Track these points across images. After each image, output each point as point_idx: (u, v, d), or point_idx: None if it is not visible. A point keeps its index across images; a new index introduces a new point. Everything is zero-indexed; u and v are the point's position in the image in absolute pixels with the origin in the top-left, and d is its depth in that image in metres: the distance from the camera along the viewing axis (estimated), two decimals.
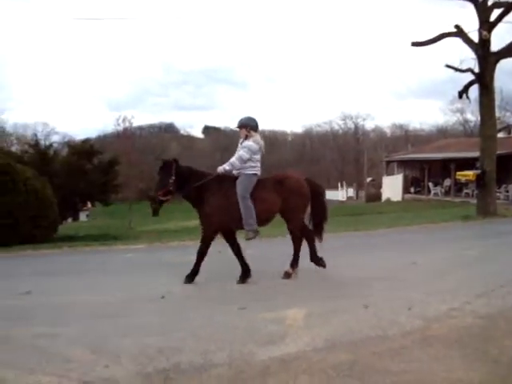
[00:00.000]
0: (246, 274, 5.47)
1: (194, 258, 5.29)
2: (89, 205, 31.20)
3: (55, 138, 45.65)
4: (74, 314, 4.03)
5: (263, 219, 5.53)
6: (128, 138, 39.04)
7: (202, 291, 5.02)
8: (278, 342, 3.30)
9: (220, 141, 67.05)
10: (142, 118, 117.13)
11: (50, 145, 26.97)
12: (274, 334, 3.44)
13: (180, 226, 20.66)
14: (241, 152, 5.50)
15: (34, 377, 2.59)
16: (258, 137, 5.60)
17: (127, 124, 50.26)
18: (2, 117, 49.23)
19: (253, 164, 5.49)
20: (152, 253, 8.45)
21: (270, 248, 7.80)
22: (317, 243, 5.79)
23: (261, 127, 5.82)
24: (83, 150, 25.79)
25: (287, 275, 5.58)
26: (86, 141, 29.36)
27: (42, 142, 29.79)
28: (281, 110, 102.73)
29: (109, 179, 25.43)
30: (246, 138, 5.59)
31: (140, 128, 57.15)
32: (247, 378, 2.75)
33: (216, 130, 74.57)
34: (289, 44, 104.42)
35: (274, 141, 73.01)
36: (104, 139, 43.41)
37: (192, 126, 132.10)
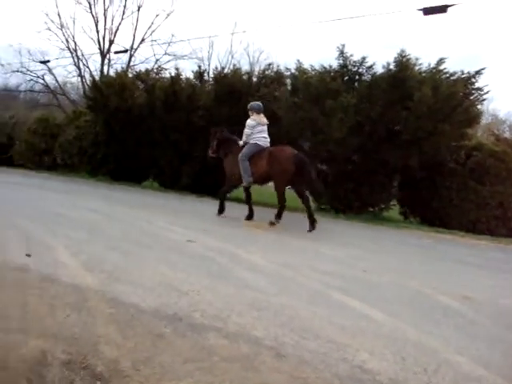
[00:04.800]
0: (249, 216, 7.38)
1: None
2: None
3: None
4: None
5: (256, 177, 7.18)
6: None
7: None
8: None
9: None
10: None
11: None
12: None
13: None
14: (244, 130, 7.35)
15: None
16: (258, 116, 7.32)
17: None
18: (494, 105, 51.06)
19: (254, 136, 7.25)
20: None
21: None
22: None
23: None
24: None
25: (271, 224, 6.91)
26: None
27: None
28: None
29: None
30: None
31: None
32: None
33: None
34: None
35: None
36: None
37: None
